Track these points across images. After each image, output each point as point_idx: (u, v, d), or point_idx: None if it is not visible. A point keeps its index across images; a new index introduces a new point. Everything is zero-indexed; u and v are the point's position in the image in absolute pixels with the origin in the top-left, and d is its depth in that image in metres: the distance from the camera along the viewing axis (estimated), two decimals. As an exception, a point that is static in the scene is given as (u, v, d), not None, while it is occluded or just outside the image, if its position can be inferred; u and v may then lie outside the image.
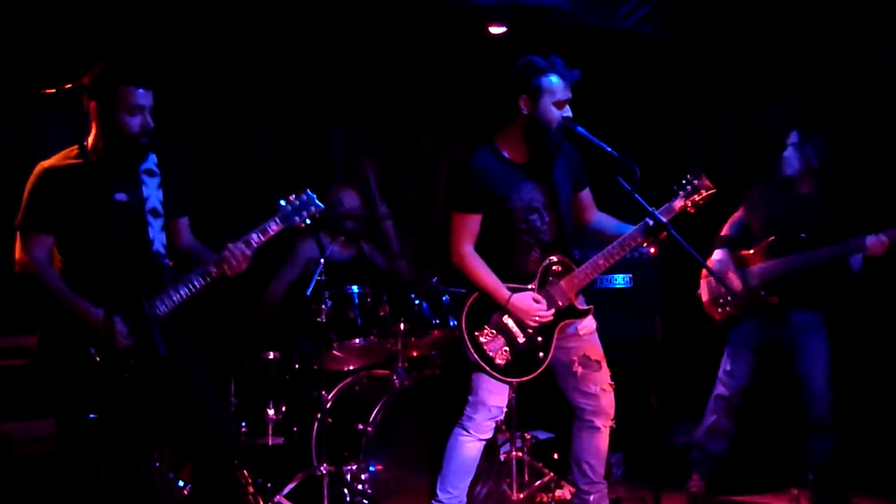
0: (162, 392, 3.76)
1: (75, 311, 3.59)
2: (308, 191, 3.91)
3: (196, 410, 3.77)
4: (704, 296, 5.05)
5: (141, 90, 3.62)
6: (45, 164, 3.71)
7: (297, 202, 3.87)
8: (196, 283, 3.73)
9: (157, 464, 4.72)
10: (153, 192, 3.79)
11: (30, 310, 3.78)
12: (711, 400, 5.11)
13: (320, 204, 3.89)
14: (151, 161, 3.81)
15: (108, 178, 3.68)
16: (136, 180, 3.77)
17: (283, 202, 3.86)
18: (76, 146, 3.67)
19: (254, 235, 3.77)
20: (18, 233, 3.71)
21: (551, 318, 4.14)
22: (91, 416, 3.54)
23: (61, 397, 3.64)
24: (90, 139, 3.72)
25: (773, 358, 5.02)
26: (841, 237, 4.79)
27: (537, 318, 4.10)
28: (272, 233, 3.81)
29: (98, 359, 3.57)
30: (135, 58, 3.67)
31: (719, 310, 5.01)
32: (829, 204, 4.95)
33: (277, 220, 3.83)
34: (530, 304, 4.11)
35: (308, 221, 3.89)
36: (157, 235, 3.78)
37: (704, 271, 5.01)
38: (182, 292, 3.72)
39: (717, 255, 5.01)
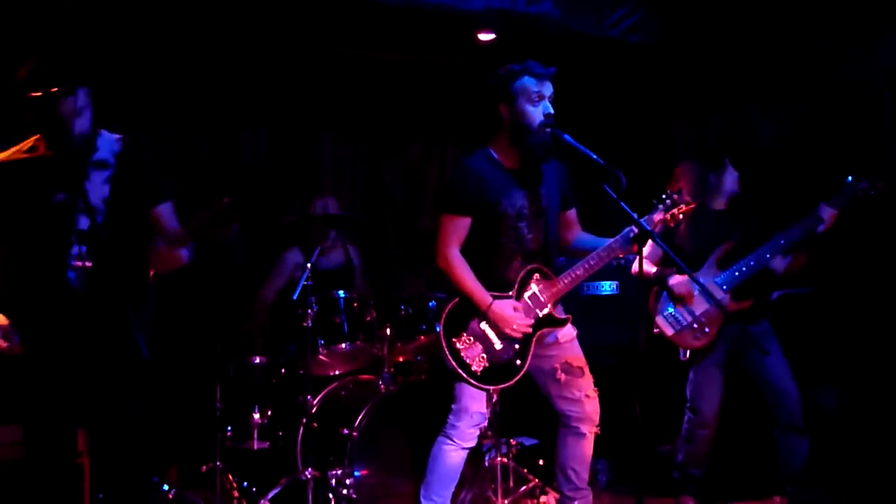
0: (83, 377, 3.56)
1: None
2: (226, 199, 3.61)
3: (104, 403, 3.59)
4: (667, 330, 4.93)
5: (64, 99, 3.48)
6: None
7: (216, 211, 3.60)
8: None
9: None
10: (97, 188, 3.56)
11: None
12: (686, 430, 5.06)
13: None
14: (108, 151, 3.63)
15: (52, 177, 3.54)
16: (80, 176, 3.55)
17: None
18: (34, 137, 3.59)
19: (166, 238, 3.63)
20: None
21: (529, 329, 4.15)
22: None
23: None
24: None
25: (738, 370, 5.04)
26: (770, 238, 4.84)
27: (515, 327, 4.12)
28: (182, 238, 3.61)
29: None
30: (57, 64, 3.51)
31: (697, 336, 4.90)
32: (743, 212, 5.02)
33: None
34: (510, 312, 4.11)
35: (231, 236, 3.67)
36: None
37: (653, 306, 5.00)
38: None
39: (677, 278, 4.91)
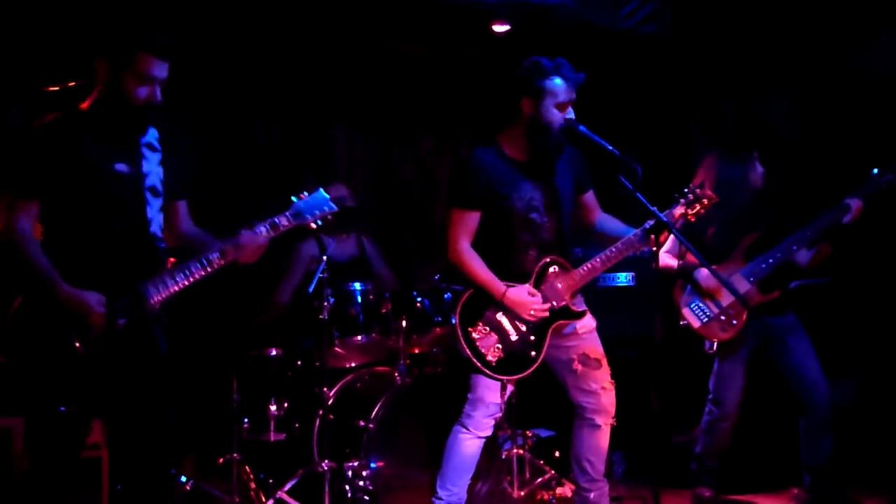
0: (126, 384, 3.44)
1: (57, 292, 3.28)
2: (320, 189, 3.72)
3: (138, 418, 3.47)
4: (694, 322, 4.89)
5: (157, 61, 3.36)
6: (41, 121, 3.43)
7: (311, 200, 3.67)
8: (195, 270, 3.47)
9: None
10: (154, 169, 3.49)
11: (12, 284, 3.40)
12: (707, 422, 5.05)
13: (334, 205, 3.71)
14: (153, 136, 3.53)
15: (108, 146, 3.41)
16: (137, 153, 3.47)
17: (294, 199, 3.66)
18: (78, 106, 3.45)
19: (262, 228, 3.57)
20: (10, 197, 3.43)
21: (547, 313, 4.15)
22: (62, 408, 3.29)
23: (32, 384, 3.33)
24: (90, 101, 3.46)
25: (764, 362, 5.01)
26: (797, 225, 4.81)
27: (533, 312, 4.11)
28: (283, 229, 3.61)
29: (78, 345, 3.29)
30: (159, 27, 3.42)
31: (724, 328, 4.85)
32: (769, 203, 4.99)
33: (289, 216, 3.62)
34: (526, 297, 4.11)
35: (319, 223, 3.70)
36: (156, 216, 3.49)
37: (678, 298, 4.97)
38: (179, 279, 3.45)
39: (704, 272, 4.87)
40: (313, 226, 3.68)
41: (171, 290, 3.44)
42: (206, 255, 3.49)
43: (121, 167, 3.42)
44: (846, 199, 4.73)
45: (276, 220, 3.60)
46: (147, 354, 3.46)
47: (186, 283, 3.46)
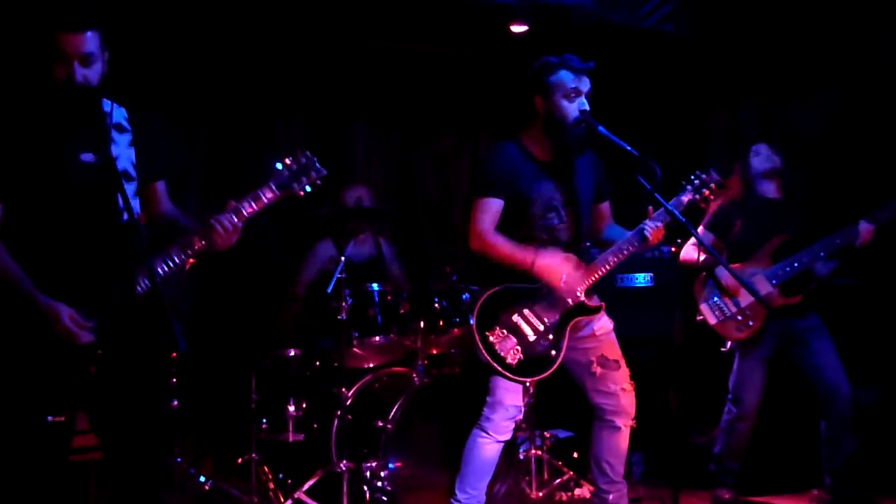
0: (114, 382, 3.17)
1: (35, 303, 3.02)
2: (307, 152, 3.37)
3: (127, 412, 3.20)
4: (711, 319, 4.90)
5: (73, 35, 3.03)
6: None
7: (296, 166, 3.32)
8: (176, 258, 3.18)
9: (178, 459, 4.76)
10: (124, 152, 3.23)
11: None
12: (726, 422, 5.03)
13: (322, 169, 3.37)
14: (121, 115, 3.26)
15: (68, 136, 3.13)
16: (105, 137, 3.16)
17: (279, 166, 3.31)
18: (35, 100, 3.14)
19: (245, 203, 3.23)
20: None
21: (583, 282, 4.08)
22: (49, 417, 3.03)
23: (12, 393, 3.03)
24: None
25: (785, 363, 4.98)
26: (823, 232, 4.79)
27: (565, 279, 4.02)
28: (266, 201, 3.27)
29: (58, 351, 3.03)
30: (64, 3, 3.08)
31: (740, 328, 4.86)
32: (799, 205, 4.97)
33: (273, 185, 3.28)
34: (558, 261, 4.03)
35: (308, 189, 3.33)
36: (133, 202, 3.19)
37: (698, 293, 4.96)
38: (161, 269, 3.16)
39: (724, 270, 4.87)
40: (301, 194, 3.34)
41: (156, 280, 3.09)
42: (187, 238, 3.21)
43: (87, 157, 3.14)
44: (859, 223, 4.71)
45: (260, 192, 3.27)
46: (136, 348, 3.22)
47: (170, 271, 3.19)
